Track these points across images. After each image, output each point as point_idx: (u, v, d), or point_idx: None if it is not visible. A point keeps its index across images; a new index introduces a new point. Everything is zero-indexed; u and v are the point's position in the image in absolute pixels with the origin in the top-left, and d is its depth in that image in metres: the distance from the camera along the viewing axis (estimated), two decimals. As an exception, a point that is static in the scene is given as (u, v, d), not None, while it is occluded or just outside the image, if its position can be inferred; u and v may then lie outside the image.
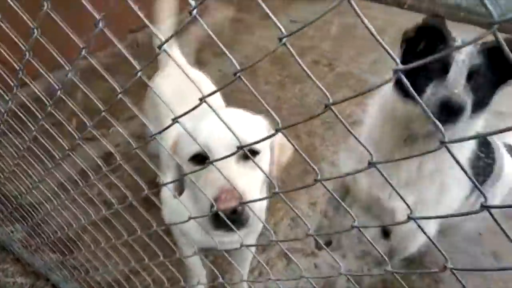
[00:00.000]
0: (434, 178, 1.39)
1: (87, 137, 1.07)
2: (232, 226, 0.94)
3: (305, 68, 0.58)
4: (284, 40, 0.55)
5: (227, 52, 0.62)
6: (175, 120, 0.77)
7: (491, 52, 1.20)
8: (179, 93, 1.49)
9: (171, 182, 1.04)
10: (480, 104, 1.22)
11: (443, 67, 1.20)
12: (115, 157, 1.00)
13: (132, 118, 2.74)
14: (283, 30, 0.55)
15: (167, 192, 1.45)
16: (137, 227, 1.18)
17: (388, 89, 1.38)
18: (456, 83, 1.17)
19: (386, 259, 0.69)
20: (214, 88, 1.87)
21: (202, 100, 0.70)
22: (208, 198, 0.94)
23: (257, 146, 1.09)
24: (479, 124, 1.30)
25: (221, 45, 0.63)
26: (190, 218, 0.98)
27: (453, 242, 2.01)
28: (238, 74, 0.64)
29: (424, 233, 0.60)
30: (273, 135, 0.68)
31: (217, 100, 1.79)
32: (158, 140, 0.88)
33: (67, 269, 1.86)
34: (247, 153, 0.77)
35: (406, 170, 1.39)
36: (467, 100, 1.16)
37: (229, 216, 0.93)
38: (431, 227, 1.47)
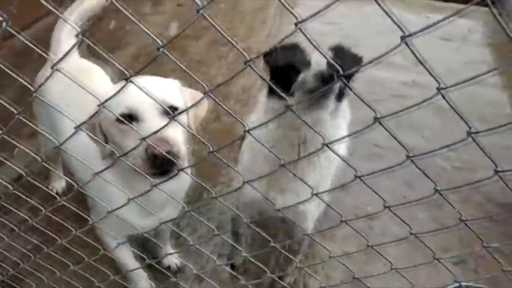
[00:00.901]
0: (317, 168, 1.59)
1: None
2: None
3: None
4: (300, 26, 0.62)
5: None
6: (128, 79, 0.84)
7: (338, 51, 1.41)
8: (71, 88, 1.49)
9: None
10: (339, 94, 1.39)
11: (306, 63, 1.34)
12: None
13: (34, 134, 2.54)
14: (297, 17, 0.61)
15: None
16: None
17: (263, 106, 1.54)
18: (320, 63, 1.31)
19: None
20: (107, 78, 1.92)
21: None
22: (142, 148, 1.11)
23: (175, 103, 1.29)
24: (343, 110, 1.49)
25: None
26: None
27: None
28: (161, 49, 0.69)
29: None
30: (202, 98, 0.87)
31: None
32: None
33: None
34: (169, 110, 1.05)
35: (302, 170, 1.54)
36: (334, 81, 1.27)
37: (164, 158, 1.11)
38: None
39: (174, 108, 1.26)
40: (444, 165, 2.73)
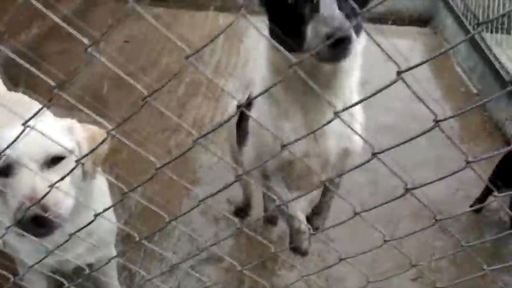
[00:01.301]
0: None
1: None
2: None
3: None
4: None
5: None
6: None
7: None
8: None
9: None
10: (356, 28, 1.20)
11: (313, 6, 1.15)
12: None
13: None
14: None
15: None
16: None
17: (268, 52, 1.42)
18: (331, 15, 1.11)
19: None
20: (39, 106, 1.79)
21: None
22: (13, 206, 1.04)
23: (60, 151, 1.16)
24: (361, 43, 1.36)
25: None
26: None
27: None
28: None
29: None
30: (105, 139, 0.83)
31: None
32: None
33: None
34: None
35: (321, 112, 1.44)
36: (349, 26, 1.11)
37: (34, 221, 1.02)
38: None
39: (57, 158, 1.17)
40: (396, 184, 2.77)
